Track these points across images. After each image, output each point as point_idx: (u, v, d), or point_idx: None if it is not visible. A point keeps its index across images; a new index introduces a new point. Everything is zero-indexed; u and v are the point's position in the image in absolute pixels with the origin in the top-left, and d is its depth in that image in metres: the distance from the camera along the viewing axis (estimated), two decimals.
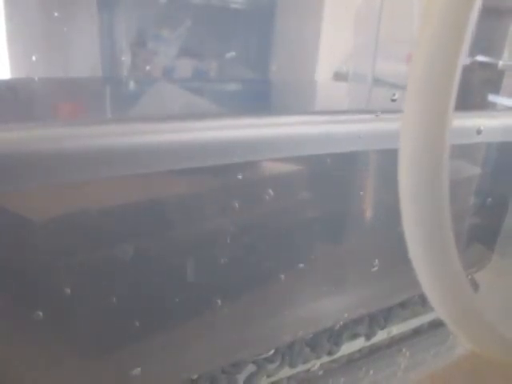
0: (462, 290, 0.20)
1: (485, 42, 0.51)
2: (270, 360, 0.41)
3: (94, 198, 0.27)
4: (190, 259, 0.32)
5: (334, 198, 0.39)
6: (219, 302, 0.34)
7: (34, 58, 0.32)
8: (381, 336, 0.48)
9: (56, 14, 0.31)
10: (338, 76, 0.49)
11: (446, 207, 0.20)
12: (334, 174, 0.37)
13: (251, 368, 0.40)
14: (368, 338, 0.47)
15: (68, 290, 0.27)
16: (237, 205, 0.32)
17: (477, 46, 0.50)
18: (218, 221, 0.34)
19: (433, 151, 0.19)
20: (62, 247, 0.27)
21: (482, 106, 0.53)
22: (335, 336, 0.44)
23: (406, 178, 0.20)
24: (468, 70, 0.50)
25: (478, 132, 0.42)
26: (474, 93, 0.52)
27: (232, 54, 0.35)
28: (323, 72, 0.48)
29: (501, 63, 0.53)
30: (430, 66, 0.18)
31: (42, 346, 0.29)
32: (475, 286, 0.55)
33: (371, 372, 0.46)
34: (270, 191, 0.33)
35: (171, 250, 0.32)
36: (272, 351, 0.40)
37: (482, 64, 0.52)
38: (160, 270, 0.31)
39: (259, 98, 0.41)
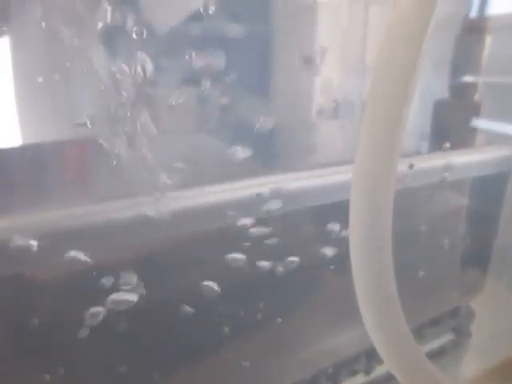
0: (410, 349, 0.23)
1: (463, 60, 0.52)
2: None
3: None
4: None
5: None
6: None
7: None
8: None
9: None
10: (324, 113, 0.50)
11: (389, 265, 0.22)
12: None
13: None
14: (367, 373, 0.48)
15: None
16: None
17: (455, 65, 0.52)
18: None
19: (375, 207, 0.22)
20: None
21: (464, 138, 0.55)
22: (333, 374, 0.46)
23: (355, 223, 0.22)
24: (444, 108, 0.52)
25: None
26: (452, 128, 0.54)
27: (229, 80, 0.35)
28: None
29: (480, 81, 0.55)
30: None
31: None
32: (471, 313, 0.56)
33: None
34: None
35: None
36: None
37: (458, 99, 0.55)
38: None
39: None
